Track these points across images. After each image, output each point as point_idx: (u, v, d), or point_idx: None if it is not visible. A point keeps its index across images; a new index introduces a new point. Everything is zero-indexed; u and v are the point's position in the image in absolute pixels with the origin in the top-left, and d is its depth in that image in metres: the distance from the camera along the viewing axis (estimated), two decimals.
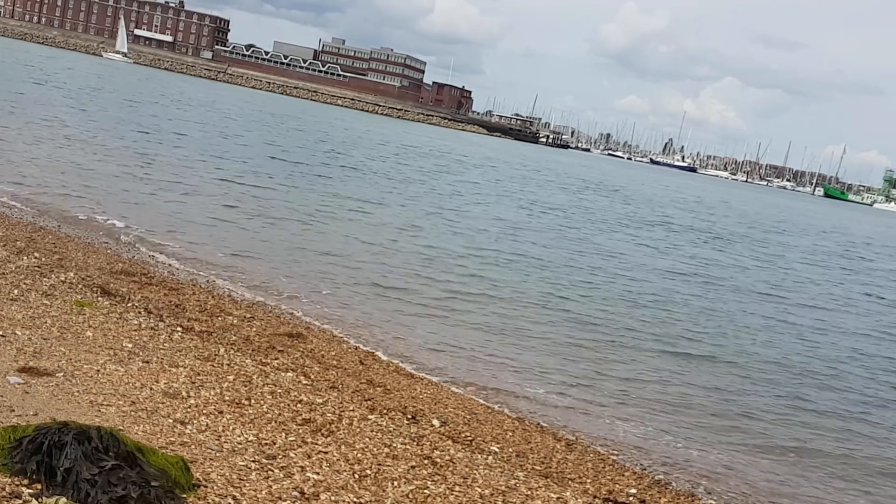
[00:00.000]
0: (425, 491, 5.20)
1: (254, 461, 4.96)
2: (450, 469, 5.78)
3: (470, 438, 7.13)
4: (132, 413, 5.30)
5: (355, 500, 4.78)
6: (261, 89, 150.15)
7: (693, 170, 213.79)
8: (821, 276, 27.36)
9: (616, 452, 8.04)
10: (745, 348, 13.77)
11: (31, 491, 3.81)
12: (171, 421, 5.32)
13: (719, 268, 24.26)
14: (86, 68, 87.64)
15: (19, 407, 4.92)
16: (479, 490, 5.49)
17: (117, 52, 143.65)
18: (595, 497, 6.41)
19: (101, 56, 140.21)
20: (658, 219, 39.53)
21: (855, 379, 12.92)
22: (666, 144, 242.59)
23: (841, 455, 9.27)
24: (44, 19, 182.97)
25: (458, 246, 19.54)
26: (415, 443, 6.24)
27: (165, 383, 6.09)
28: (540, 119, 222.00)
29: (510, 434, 7.69)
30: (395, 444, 6.01)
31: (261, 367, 7.41)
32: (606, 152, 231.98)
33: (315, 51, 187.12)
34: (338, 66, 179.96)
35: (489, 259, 18.38)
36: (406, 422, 6.93)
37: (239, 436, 5.36)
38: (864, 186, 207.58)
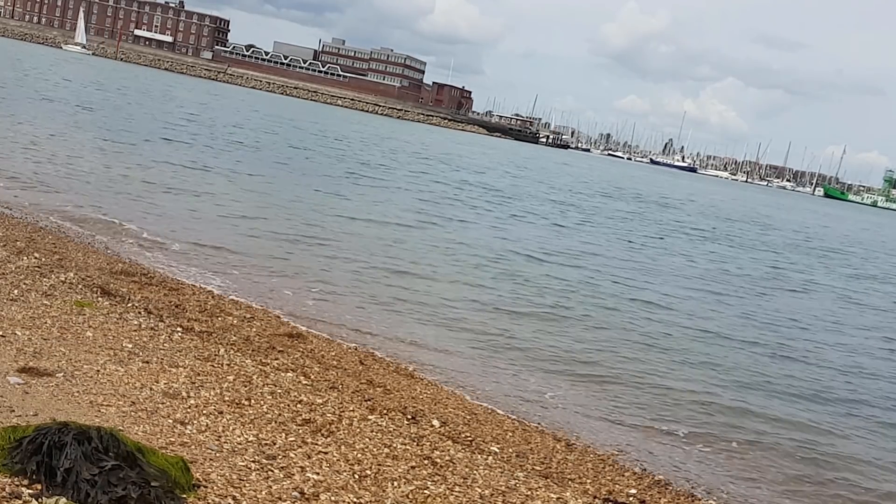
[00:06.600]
0: (425, 491, 5.20)
1: (254, 461, 4.96)
2: (450, 469, 5.78)
3: (470, 439, 7.13)
4: (132, 413, 5.31)
5: (355, 500, 4.78)
6: (261, 89, 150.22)
7: (693, 170, 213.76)
8: None
9: (616, 453, 8.03)
10: (739, 349, 13.79)
11: (31, 491, 3.81)
12: (171, 421, 5.32)
13: None
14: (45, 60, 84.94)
15: (19, 407, 4.92)
16: (479, 490, 5.48)
17: (76, 44, 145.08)
18: (595, 497, 6.41)
19: (61, 48, 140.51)
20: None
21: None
22: (666, 144, 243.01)
23: (845, 456, 9.26)
24: (44, 19, 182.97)
25: (468, 253, 19.54)
26: (415, 443, 6.24)
27: (165, 383, 6.09)
28: (540, 119, 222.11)
29: (510, 434, 7.68)
30: (395, 445, 6.01)
31: (261, 368, 7.41)
32: (606, 152, 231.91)
33: (315, 51, 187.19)
34: (338, 67, 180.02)
35: (501, 262, 18.39)
36: (406, 422, 6.92)
37: (239, 436, 5.36)
38: (864, 186, 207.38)
